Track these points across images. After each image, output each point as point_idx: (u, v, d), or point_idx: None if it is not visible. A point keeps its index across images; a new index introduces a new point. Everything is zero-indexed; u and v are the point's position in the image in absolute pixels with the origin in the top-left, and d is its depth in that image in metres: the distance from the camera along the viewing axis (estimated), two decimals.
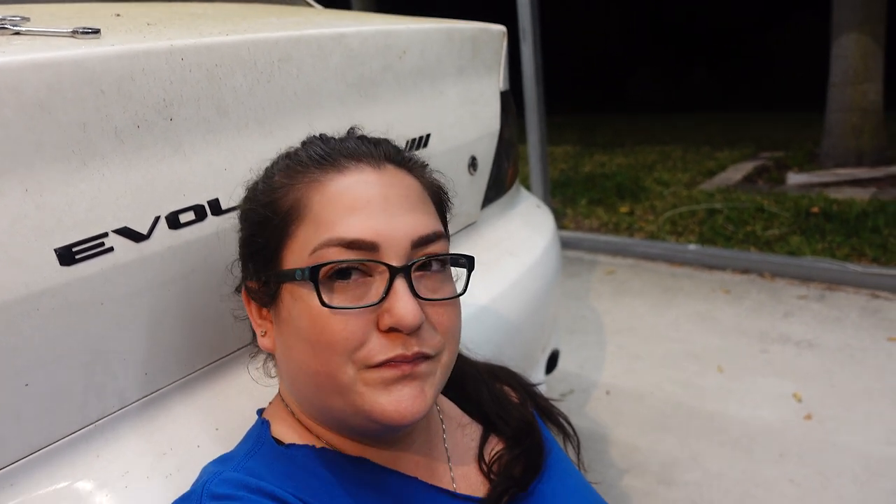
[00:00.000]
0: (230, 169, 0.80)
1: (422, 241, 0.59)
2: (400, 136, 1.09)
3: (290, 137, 0.87)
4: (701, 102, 8.82)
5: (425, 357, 0.58)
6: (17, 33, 0.73)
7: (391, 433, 0.63)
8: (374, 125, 1.03)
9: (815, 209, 3.94)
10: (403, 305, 0.55)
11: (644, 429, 2.04)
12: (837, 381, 2.19)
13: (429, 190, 0.67)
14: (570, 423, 0.87)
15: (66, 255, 0.65)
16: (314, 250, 0.57)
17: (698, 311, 2.81)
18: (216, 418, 0.79)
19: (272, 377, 0.72)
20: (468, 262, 0.65)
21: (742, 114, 7.95)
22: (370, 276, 0.58)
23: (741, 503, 1.69)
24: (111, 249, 0.69)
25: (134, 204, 0.71)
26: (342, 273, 0.57)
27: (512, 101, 1.51)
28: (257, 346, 0.69)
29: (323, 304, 0.56)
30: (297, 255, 0.59)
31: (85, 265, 0.67)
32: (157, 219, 0.73)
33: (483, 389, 0.80)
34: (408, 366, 0.57)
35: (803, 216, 3.87)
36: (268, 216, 0.61)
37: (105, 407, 0.72)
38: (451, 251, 0.65)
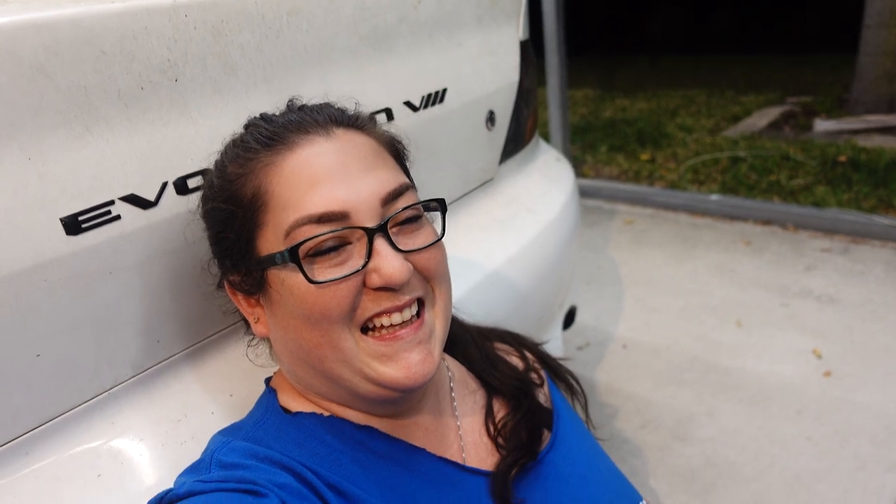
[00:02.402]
0: (240, 131, 0.77)
1: (390, 197, 0.59)
2: (415, 91, 1.05)
3: (301, 95, 0.84)
4: (726, 43, 8.52)
5: (421, 304, 0.60)
6: None
7: (402, 397, 0.62)
8: (388, 80, 1.00)
9: (843, 158, 3.83)
10: (389, 263, 0.56)
11: (660, 383, 2.04)
12: (858, 338, 2.16)
13: (384, 144, 0.66)
14: (576, 380, 0.86)
15: (73, 225, 0.63)
16: (287, 233, 0.57)
17: (718, 263, 2.77)
18: (230, 385, 0.79)
19: (274, 363, 0.71)
20: (440, 205, 0.65)
21: (769, 56, 7.67)
22: (349, 242, 0.58)
23: (756, 460, 1.69)
24: (118, 217, 0.67)
25: (140, 170, 0.69)
26: (321, 247, 0.56)
27: (532, 50, 1.45)
28: (252, 334, 0.69)
29: (310, 281, 0.56)
30: (272, 240, 0.58)
31: (92, 234, 0.65)
32: (164, 185, 0.71)
33: (473, 351, 0.80)
34: (408, 329, 0.59)
35: (830, 165, 3.77)
36: (232, 210, 0.60)
37: (118, 375, 0.72)
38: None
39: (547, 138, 3.71)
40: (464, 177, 1.25)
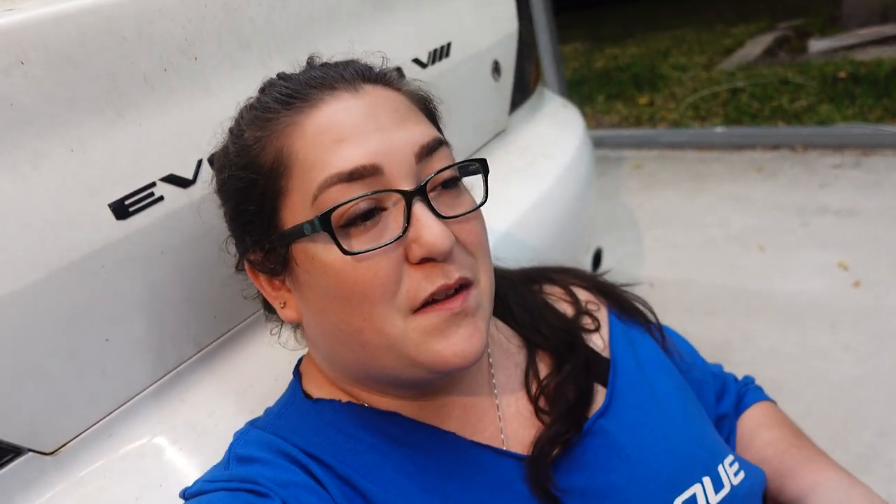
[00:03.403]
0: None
1: (425, 151, 0.54)
2: (421, 48, 1.05)
3: (321, 53, 0.85)
4: None
5: (467, 284, 0.54)
6: None
7: (444, 379, 0.60)
8: (395, 39, 1.00)
9: (842, 74, 3.79)
10: (430, 230, 0.50)
11: (692, 315, 2.05)
12: (882, 245, 2.17)
13: (415, 101, 0.61)
14: (648, 308, 0.76)
15: (121, 209, 0.65)
16: (315, 197, 0.51)
17: (732, 193, 2.77)
18: (290, 352, 0.80)
19: (302, 346, 0.69)
20: (482, 166, 0.59)
21: None
22: (384, 208, 0.52)
23: (798, 375, 1.71)
24: (161, 198, 0.68)
25: (175, 149, 0.70)
26: (354, 214, 0.51)
27: None
28: (277, 320, 0.64)
29: (344, 252, 0.50)
30: (298, 209, 0.53)
31: (140, 217, 0.67)
32: (199, 162, 0.72)
33: (515, 303, 0.71)
34: (457, 301, 0.52)
35: (830, 83, 3.73)
36: (251, 178, 0.55)
37: (182, 353, 0.74)
38: (488, 160, 0.60)
39: None
40: (478, 129, 1.25)
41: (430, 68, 1.06)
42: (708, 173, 3.03)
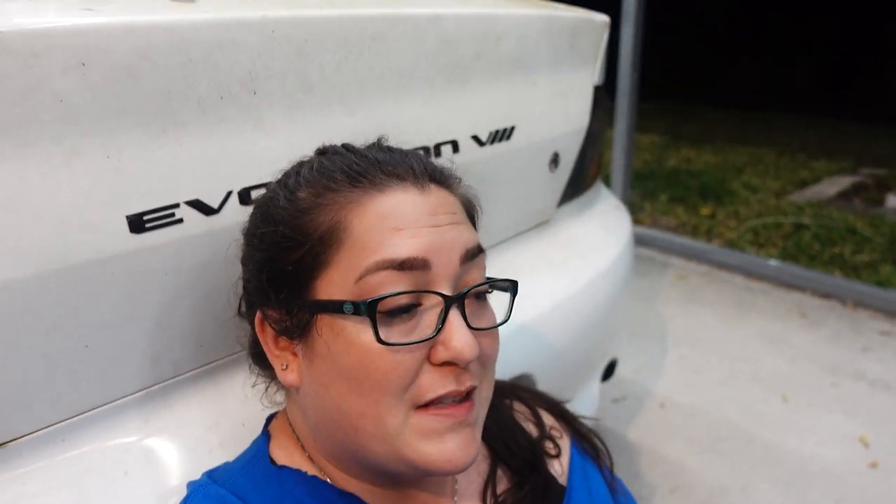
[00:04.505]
0: (308, 147, 0.77)
1: (468, 256, 0.56)
2: (483, 126, 1.05)
3: (373, 119, 0.85)
4: (803, 103, 8.31)
5: (472, 391, 0.55)
6: None
7: (425, 478, 0.60)
8: (459, 113, 1.00)
9: None
10: (461, 338, 0.52)
11: (696, 449, 1.97)
12: None
13: (465, 205, 0.63)
14: (601, 441, 0.80)
15: (137, 223, 0.65)
16: (360, 276, 0.52)
17: (770, 332, 2.68)
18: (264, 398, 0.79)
19: (278, 403, 0.68)
20: (512, 287, 0.61)
21: (846, 122, 7.46)
22: (419, 304, 0.54)
23: None
24: (181, 221, 0.68)
25: (208, 176, 0.70)
26: (394, 306, 0.53)
27: (605, 96, 1.44)
28: (261, 374, 0.66)
29: (380, 341, 0.51)
30: (338, 283, 0.54)
31: (154, 234, 0.66)
32: (229, 193, 0.72)
33: (489, 412, 0.71)
34: (461, 410, 0.54)
35: None
36: (298, 240, 0.55)
37: (159, 374, 0.72)
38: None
39: (608, 181, 3.68)
40: (521, 216, 1.24)
41: (487, 148, 1.06)
42: (751, 304, 2.95)
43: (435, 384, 0.53)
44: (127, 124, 0.63)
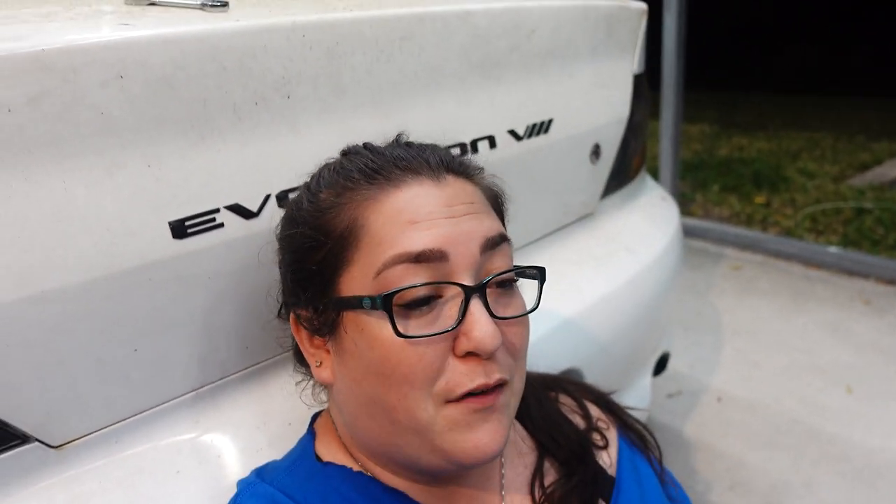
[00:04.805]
0: (336, 156, 0.79)
1: (489, 244, 0.56)
2: (520, 120, 1.04)
3: (407, 119, 0.85)
4: (861, 84, 7.97)
5: (503, 384, 0.55)
6: (153, 3, 0.75)
7: (461, 471, 0.60)
8: (495, 108, 1.00)
9: None
10: (482, 328, 0.52)
11: (755, 444, 1.91)
12: None
13: (487, 195, 0.63)
14: (649, 432, 0.79)
15: (179, 229, 0.67)
16: (379, 272, 0.53)
17: (831, 321, 2.58)
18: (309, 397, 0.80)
19: (323, 402, 0.69)
20: (539, 274, 0.61)
21: None
22: (441, 296, 0.54)
23: None
24: (221, 225, 0.70)
25: (247, 181, 0.71)
26: (413, 299, 0.53)
27: (646, 84, 1.41)
28: (303, 373, 0.67)
29: (398, 334, 0.51)
30: (358, 280, 0.55)
31: (196, 239, 0.68)
32: (267, 197, 0.73)
33: (534, 408, 0.73)
34: (490, 398, 0.53)
35: None
36: (320, 240, 0.57)
37: (206, 376, 0.74)
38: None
39: (656, 173, 3.60)
40: (563, 209, 1.22)
41: (525, 142, 1.05)
42: (810, 293, 2.84)
43: (464, 378, 0.53)
44: (166, 133, 0.64)
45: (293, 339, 0.65)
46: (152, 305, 0.67)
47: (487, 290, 0.54)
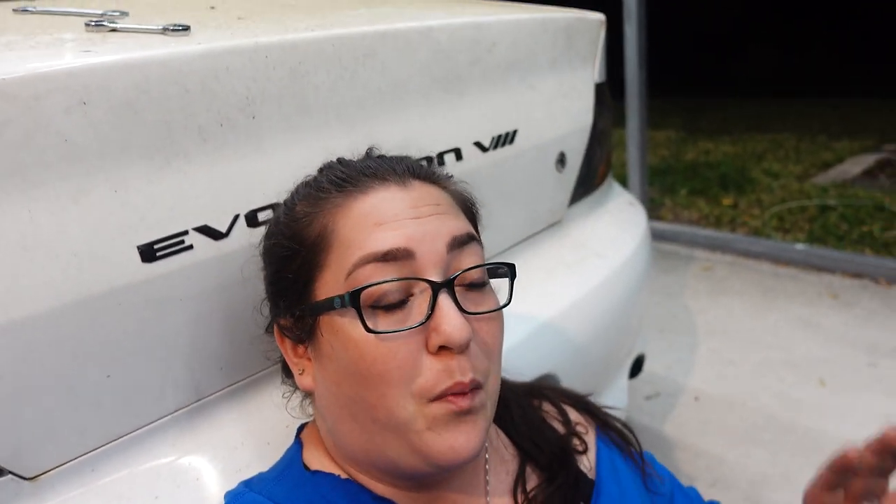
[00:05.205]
0: (310, 167, 0.79)
1: (456, 243, 0.57)
2: (485, 132, 1.06)
3: (373, 135, 0.86)
4: (819, 86, 8.18)
5: (479, 387, 0.56)
6: (114, 30, 0.75)
7: (441, 474, 0.60)
8: (459, 121, 1.01)
9: None
10: (451, 321, 0.53)
11: (733, 440, 1.94)
12: None
13: (457, 199, 0.64)
14: (630, 430, 0.80)
15: (148, 253, 0.67)
16: (349, 273, 0.55)
17: (801, 317, 2.64)
18: (287, 417, 0.80)
19: (310, 415, 0.69)
20: (509, 271, 0.62)
21: (866, 100, 7.33)
22: (410, 294, 0.55)
23: None
24: (191, 247, 0.70)
25: (214, 202, 0.72)
26: (383, 300, 0.54)
27: (608, 93, 1.44)
28: (291, 385, 0.67)
29: (368, 329, 0.53)
30: (331, 284, 0.56)
31: (165, 262, 0.68)
32: (236, 217, 0.74)
33: (516, 413, 0.75)
34: (466, 400, 0.54)
35: None
36: (294, 248, 0.59)
37: (182, 399, 0.74)
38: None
39: (625, 180, 3.66)
40: (531, 218, 1.24)
41: (491, 153, 1.07)
42: (780, 290, 2.90)
43: (441, 375, 0.53)
44: (131, 158, 0.65)
45: (280, 352, 0.66)
46: (123, 330, 0.67)
47: (457, 289, 0.56)
